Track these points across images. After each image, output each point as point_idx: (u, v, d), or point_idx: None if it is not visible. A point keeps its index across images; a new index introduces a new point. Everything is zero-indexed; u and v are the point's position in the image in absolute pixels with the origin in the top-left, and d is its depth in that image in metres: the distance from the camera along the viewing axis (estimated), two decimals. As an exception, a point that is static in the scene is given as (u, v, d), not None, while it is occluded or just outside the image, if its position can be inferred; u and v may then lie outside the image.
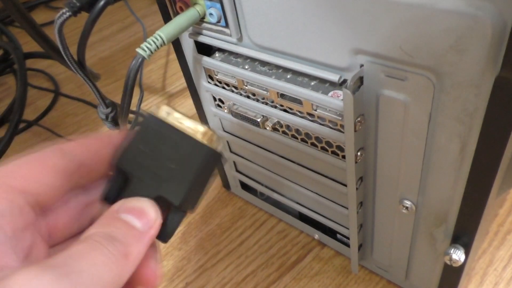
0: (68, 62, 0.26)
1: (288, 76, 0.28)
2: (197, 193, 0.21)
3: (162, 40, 0.27)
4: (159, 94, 0.61)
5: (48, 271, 0.14)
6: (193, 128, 0.21)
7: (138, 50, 0.26)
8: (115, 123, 0.32)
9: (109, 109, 0.31)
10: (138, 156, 0.20)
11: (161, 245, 0.38)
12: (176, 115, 0.21)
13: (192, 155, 0.20)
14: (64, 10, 0.23)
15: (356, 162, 0.26)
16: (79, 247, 0.15)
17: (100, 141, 0.20)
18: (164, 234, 0.19)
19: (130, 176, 0.20)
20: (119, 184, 0.20)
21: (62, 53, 0.26)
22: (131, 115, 0.49)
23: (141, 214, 0.18)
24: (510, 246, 0.36)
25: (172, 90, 0.61)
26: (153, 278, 0.18)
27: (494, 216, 0.38)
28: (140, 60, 0.26)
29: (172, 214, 0.19)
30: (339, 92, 0.26)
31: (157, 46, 0.26)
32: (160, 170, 0.20)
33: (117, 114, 0.31)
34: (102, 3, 0.24)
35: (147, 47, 0.26)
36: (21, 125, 0.59)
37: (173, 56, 0.56)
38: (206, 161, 0.20)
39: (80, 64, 0.27)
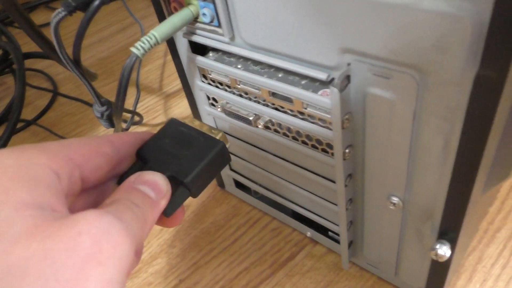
0: (64, 61, 0.27)
1: (280, 75, 0.29)
2: (204, 180, 0.24)
3: (156, 39, 0.27)
4: (156, 94, 0.61)
5: (107, 214, 0.17)
6: (210, 130, 0.25)
7: (132, 49, 0.27)
8: (110, 121, 0.33)
9: (104, 107, 0.31)
10: (158, 146, 0.24)
11: (156, 243, 0.39)
12: (196, 122, 0.26)
13: (206, 147, 0.24)
14: (59, 10, 0.24)
15: (344, 159, 0.27)
16: (116, 205, 0.18)
17: (135, 138, 0.23)
18: (168, 209, 0.21)
19: (147, 161, 0.23)
20: (137, 169, 0.22)
21: (58, 51, 0.26)
22: (127, 114, 0.49)
23: (154, 185, 0.20)
24: (499, 243, 0.37)
25: (169, 90, 0.61)
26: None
27: (484, 214, 0.39)
28: (134, 58, 0.27)
29: (178, 192, 0.22)
30: (329, 91, 0.26)
31: (151, 45, 0.27)
32: (175, 157, 0.23)
33: (112, 113, 0.32)
34: (97, 2, 0.24)
35: (141, 46, 0.27)
36: (20, 125, 0.59)
37: (170, 57, 0.57)
38: (218, 153, 0.24)
39: (76, 62, 0.28)
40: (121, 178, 0.22)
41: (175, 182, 0.22)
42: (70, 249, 0.15)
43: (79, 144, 0.20)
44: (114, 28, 0.78)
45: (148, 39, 0.27)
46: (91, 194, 0.22)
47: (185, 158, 0.23)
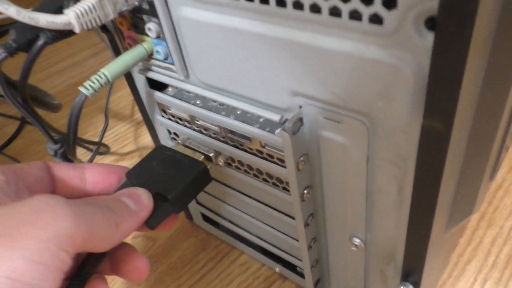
0: (10, 102, 0.26)
1: (238, 112, 0.28)
2: (187, 197, 0.26)
3: (107, 78, 0.26)
4: (126, 121, 0.60)
5: (58, 196, 0.19)
6: (193, 153, 0.29)
7: (81, 88, 0.26)
8: (65, 159, 0.31)
9: (57, 145, 0.30)
10: (146, 168, 0.27)
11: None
12: (180, 146, 0.30)
13: (189, 167, 0.27)
14: (0, 51, 0.23)
15: (303, 200, 0.26)
16: (87, 203, 0.20)
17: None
18: (152, 222, 0.23)
19: (135, 181, 0.25)
20: (125, 187, 0.25)
21: (3, 93, 0.25)
22: (92, 146, 0.48)
23: (136, 198, 0.23)
24: (470, 276, 0.36)
25: (140, 117, 0.60)
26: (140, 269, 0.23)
27: (454, 246, 0.38)
28: (83, 98, 0.26)
29: (163, 207, 0.24)
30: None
31: (101, 85, 0.26)
32: (161, 176, 0.26)
33: (65, 150, 0.31)
34: (40, 43, 0.23)
35: (90, 86, 0.26)
36: (-15, 154, 0.57)
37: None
38: (200, 173, 0.27)
39: (24, 102, 0.27)
40: None
41: (161, 198, 0.24)
42: (10, 213, 0.17)
43: (22, 164, 0.23)
44: (86, 53, 0.77)
45: (98, 78, 0.26)
46: None
47: (170, 177, 0.26)
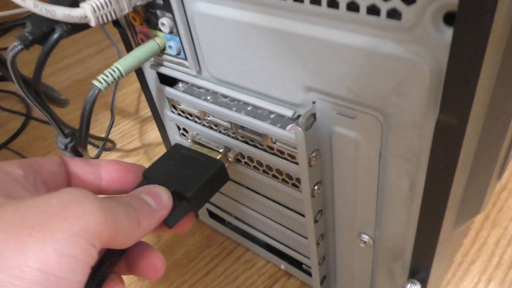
0: (24, 95, 0.26)
1: (249, 108, 0.28)
2: (205, 196, 0.26)
3: (120, 72, 0.27)
4: (132, 118, 0.60)
5: (85, 190, 0.19)
6: (209, 151, 0.29)
7: (95, 82, 0.26)
8: (75, 153, 0.32)
9: (68, 139, 0.30)
10: (163, 167, 0.27)
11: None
12: (196, 146, 0.30)
13: (207, 166, 0.27)
14: (15, 44, 0.23)
15: (313, 196, 0.26)
16: (111, 200, 0.20)
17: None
18: (170, 220, 0.23)
19: (152, 180, 0.25)
20: (143, 186, 0.24)
21: (17, 85, 0.25)
22: (98, 142, 0.48)
23: (156, 196, 0.23)
24: (474, 276, 0.36)
25: (145, 114, 0.60)
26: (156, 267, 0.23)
27: (459, 246, 0.38)
28: (96, 92, 0.26)
29: (180, 205, 0.24)
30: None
31: (114, 78, 0.26)
32: (178, 175, 0.26)
33: (76, 144, 0.31)
34: (55, 36, 0.24)
35: (104, 79, 0.26)
36: (-10, 149, 0.58)
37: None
38: (217, 171, 0.27)
39: (37, 95, 0.27)
40: None
41: (178, 197, 0.24)
42: (39, 205, 0.17)
43: (38, 158, 0.23)
44: (92, 50, 0.77)
45: (112, 72, 0.26)
46: None
47: (188, 176, 0.26)
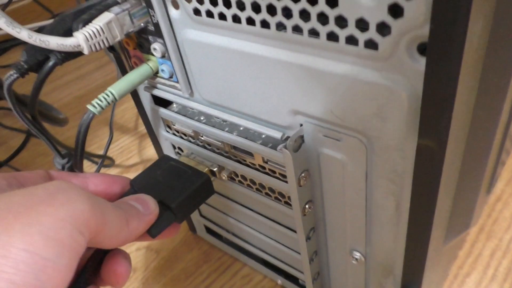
0: (21, 120, 0.26)
1: (241, 128, 0.29)
2: (189, 207, 0.27)
3: (114, 96, 0.27)
4: (131, 134, 0.61)
5: (72, 183, 0.20)
6: (197, 164, 0.30)
7: (89, 106, 0.27)
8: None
9: (65, 160, 0.31)
10: (150, 177, 0.27)
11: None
12: (184, 158, 0.31)
13: (193, 178, 0.27)
14: (11, 72, 0.24)
15: (304, 215, 0.27)
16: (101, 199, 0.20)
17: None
18: (154, 230, 0.24)
19: (140, 189, 0.26)
20: (130, 194, 0.25)
21: (14, 112, 0.26)
22: (97, 159, 0.49)
23: (143, 202, 0.23)
24: (469, 289, 0.37)
25: (144, 130, 0.61)
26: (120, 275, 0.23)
27: (454, 258, 0.39)
28: (91, 115, 0.27)
29: (164, 215, 0.24)
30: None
31: (108, 103, 0.27)
32: (164, 185, 0.26)
33: (73, 165, 0.32)
34: (50, 64, 0.24)
35: (98, 104, 0.27)
36: (-9, 166, 0.58)
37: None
38: (203, 184, 0.27)
39: (33, 119, 0.28)
40: None
41: (163, 207, 0.25)
42: (26, 194, 0.18)
43: (23, 171, 0.24)
44: (92, 66, 0.78)
45: (106, 96, 0.27)
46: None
47: (173, 187, 0.26)
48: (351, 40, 0.18)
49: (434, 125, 0.17)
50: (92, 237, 0.19)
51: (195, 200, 0.27)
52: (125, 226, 0.21)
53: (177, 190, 0.26)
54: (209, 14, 0.23)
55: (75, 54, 0.25)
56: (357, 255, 0.27)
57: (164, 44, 0.26)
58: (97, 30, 0.24)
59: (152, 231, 0.24)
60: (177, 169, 0.28)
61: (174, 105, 0.33)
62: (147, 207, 0.23)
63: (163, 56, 0.28)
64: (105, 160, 0.49)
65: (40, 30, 0.23)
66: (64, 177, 0.25)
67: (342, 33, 0.18)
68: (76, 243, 0.18)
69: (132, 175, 0.55)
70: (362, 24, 0.17)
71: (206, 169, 0.30)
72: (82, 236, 0.18)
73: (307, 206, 0.27)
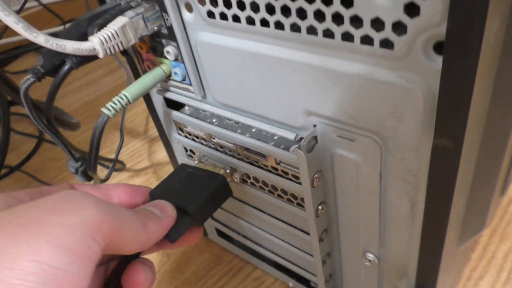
0: (36, 124, 0.27)
1: (253, 130, 0.29)
2: (207, 210, 0.27)
3: (128, 99, 0.28)
4: (140, 138, 0.61)
5: (81, 191, 0.20)
6: (213, 167, 0.30)
7: (104, 109, 0.27)
8: (85, 176, 0.32)
9: (78, 163, 0.31)
10: (168, 186, 0.28)
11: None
12: (201, 164, 0.31)
13: (208, 180, 0.27)
14: (28, 76, 0.24)
15: (317, 216, 0.27)
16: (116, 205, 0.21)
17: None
18: (173, 235, 0.24)
19: (158, 198, 0.26)
20: None
21: (30, 116, 0.26)
22: (108, 163, 0.49)
23: (161, 207, 0.24)
24: (483, 291, 0.36)
25: (154, 134, 0.62)
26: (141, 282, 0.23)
27: (466, 261, 0.38)
28: (105, 119, 0.27)
29: (182, 220, 0.25)
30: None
31: (122, 106, 0.27)
32: (181, 192, 0.27)
33: (86, 168, 0.32)
34: (66, 68, 0.25)
35: (112, 107, 0.27)
36: (4, 171, 0.59)
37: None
38: (218, 185, 0.27)
39: (49, 123, 0.28)
40: None
41: (181, 212, 0.25)
42: (35, 206, 0.18)
43: (47, 186, 0.24)
44: (101, 71, 0.79)
45: (120, 99, 0.27)
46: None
47: (190, 191, 0.26)
48: (366, 40, 0.18)
49: (450, 124, 0.17)
50: (108, 242, 0.19)
51: (212, 202, 0.27)
52: (142, 229, 0.21)
53: (194, 194, 0.26)
54: (223, 16, 0.23)
55: (90, 58, 0.25)
56: (371, 256, 0.27)
57: (177, 47, 0.27)
58: (112, 34, 0.24)
59: (171, 236, 0.24)
60: (194, 175, 0.29)
61: (186, 108, 0.33)
62: (164, 210, 0.24)
63: (176, 59, 0.28)
64: (116, 164, 0.50)
65: (52, 36, 0.24)
66: (87, 189, 0.25)
67: (357, 33, 0.18)
68: (89, 250, 0.17)
69: (142, 178, 0.55)
70: (377, 24, 0.17)
71: (222, 170, 0.31)
72: (94, 242, 0.18)
73: (320, 207, 0.27)
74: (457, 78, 0.16)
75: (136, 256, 0.23)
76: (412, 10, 0.16)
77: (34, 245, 0.16)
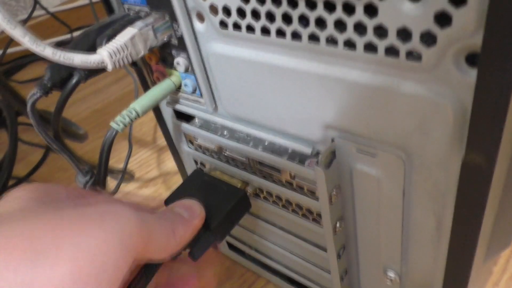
0: (43, 139, 0.26)
1: (266, 143, 0.28)
2: (228, 226, 0.26)
3: (137, 113, 0.27)
4: (149, 148, 0.61)
5: (120, 203, 0.20)
6: (230, 179, 0.29)
7: (112, 124, 0.26)
8: (94, 190, 0.32)
9: (87, 177, 0.30)
10: (185, 195, 0.26)
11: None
12: (218, 172, 0.30)
13: (229, 195, 0.27)
14: (34, 91, 0.24)
15: (335, 233, 0.26)
16: (148, 213, 0.20)
17: None
18: (195, 253, 0.23)
19: None
20: None
21: (36, 130, 0.26)
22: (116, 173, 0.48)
23: (188, 207, 0.23)
24: (507, 307, 0.35)
25: (162, 143, 0.61)
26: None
27: (489, 275, 0.37)
28: (114, 133, 0.26)
29: (204, 237, 0.24)
30: (315, 162, 0.25)
31: (131, 119, 0.26)
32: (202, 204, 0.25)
33: (95, 181, 0.31)
34: (73, 82, 0.24)
35: (121, 122, 0.26)
36: (12, 182, 0.58)
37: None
38: (239, 200, 0.27)
39: (56, 138, 0.27)
40: None
41: (202, 228, 0.24)
42: (76, 214, 0.18)
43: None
44: (109, 79, 0.78)
45: (129, 113, 0.26)
46: None
47: (210, 205, 0.25)
48: (391, 51, 0.17)
49: (483, 140, 0.16)
50: (140, 254, 0.19)
51: (233, 217, 0.27)
52: (172, 237, 0.21)
53: (215, 209, 0.25)
54: (236, 26, 0.22)
55: (99, 71, 0.25)
56: (392, 275, 0.26)
57: (188, 58, 0.26)
58: (121, 46, 0.24)
59: (194, 254, 0.23)
60: (212, 186, 0.28)
61: (197, 120, 0.32)
62: (192, 211, 0.23)
63: (186, 71, 0.27)
64: (124, 175, 0.49)
65: (59, 44, 0.23)
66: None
67: (381, 44, 0.17)
68: (123, 263, 0.18)
69: (151, 189, 0.55)
70: (403, 34, 0.16)
71: (240, 183, 0.29)
72: (130, 257, 0.18)
73: (338, 224, 0.26)
74: (493, 92, 0.15)
75: (160, 264, 0.22)
76: (442, 19, 0.15)
77: (74, 258, 0.16)
